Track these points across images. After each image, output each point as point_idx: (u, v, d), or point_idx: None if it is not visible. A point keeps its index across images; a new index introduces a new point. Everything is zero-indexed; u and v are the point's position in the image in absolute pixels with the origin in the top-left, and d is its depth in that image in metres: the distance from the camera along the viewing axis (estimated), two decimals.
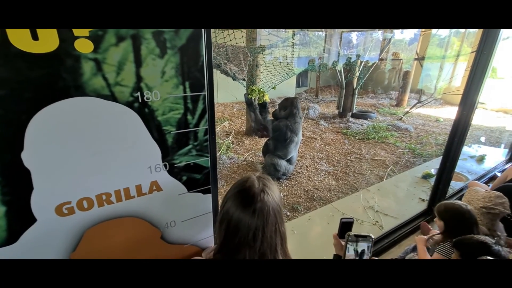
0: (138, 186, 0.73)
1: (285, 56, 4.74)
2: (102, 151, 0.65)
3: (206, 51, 0.71)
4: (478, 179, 3.20)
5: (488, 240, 1.19)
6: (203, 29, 0.68)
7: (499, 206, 1.59)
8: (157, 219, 0.79)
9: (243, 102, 6.37)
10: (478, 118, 6.76)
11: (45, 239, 0.65)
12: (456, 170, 3.65)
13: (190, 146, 0.77)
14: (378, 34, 7.31)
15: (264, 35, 4.61)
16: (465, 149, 4.51)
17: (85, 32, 0.55)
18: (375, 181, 3.63)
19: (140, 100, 0.65)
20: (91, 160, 0.64)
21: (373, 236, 0.72)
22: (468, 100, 2.06)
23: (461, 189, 2.88)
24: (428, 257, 1.56)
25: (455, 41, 6.44)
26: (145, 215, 0.77)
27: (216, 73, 4.17)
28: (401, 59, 7.09)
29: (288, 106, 3.44)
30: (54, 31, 0.52)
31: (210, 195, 0.88)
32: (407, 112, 6.45)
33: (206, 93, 0.75)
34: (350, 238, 0.70)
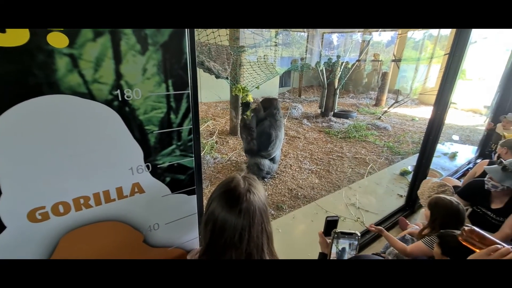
0: (119, 188, 0.70)
1: (267, 55, 4.76)
2: (79, 153, 0.61)
3: (189, 48, 0.69)
4: (451, 175, 3.38)
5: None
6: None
7: (442, 194, 1.71)
8: (139, 222, 0.76)
9: (227, 101, 6.33)
10: (450, 117, 7.16)
11: (16, 247, 0.60)
12: (431, 167, 3.84)
13: (173, 146, 0.75)
14: (357, 35, 7.54)
15: (248, 34, 4.60)
16: (439, 146, 4.75)
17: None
18: (356, 178, 3.74)
19: (120, 99, 0.62)
20: (68, 162, 0.60)
21: (359, 234, 0.74)
22: (442, 100, 2.17)
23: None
24: (402, 244, 1.63)
25: (429, 44, 6.77)
26: (127, 218, 0.74)
27: (199, 72, 4.11)
28: (380, 60, 7.35)
29: (268, 106, 3.46)
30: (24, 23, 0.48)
31: (195, 196, 0.86)
32: (385, 111, 6.70)
33: (190, 91, 0.73)
34: (336, 235, 0.72)
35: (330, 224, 0.80)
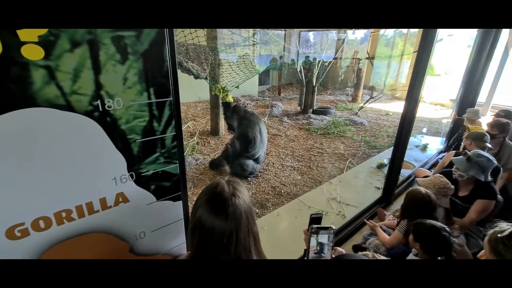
0: (102, 199, 0.69)
1: (247, 54, 4.76)
2: (59, 165, 0.59)
3: (170, 56, 0.70)
4: (423, 166, 3.60)
5: (439, 225, 1.35)
6: (166, 33, 0.67)
7: (445, 192, 1.81)
8: (124, 232, 0.76)
9: (207, 101, 6.26)
10: (420, 111, 7.58)
11: None
12: (405, 159, 4.05)
13: (157, 154, 0.75)
14: (333, 34, 7.74)
15: (226, 33, 4.57)
16: (411, 139, 5.03)
17: (34, 37, 0.50)
18: (336, 173, 3.87)
19: (100, 109, 0.61)
20: (47, 175, 0.59)
21: (334, 227, 0.78)
22: (413, 95, 2.30)
23: (409, 176, 3.22)
24: (386, 237, 1.73)
25: (400, 42, 7.11)
26: (112, 229, 0.73)
27: (178, 74, 4.03)
28: (359, 58, 7.59)
29: (233, 113, 3.47)
30: None
31: (180, 202, 0.86)
32: (362, 107, 6.96)
33: (172, 98, 0.73)
34: (313, 230, 0.75)
35: (314, 221, 0.83)
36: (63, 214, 0.63)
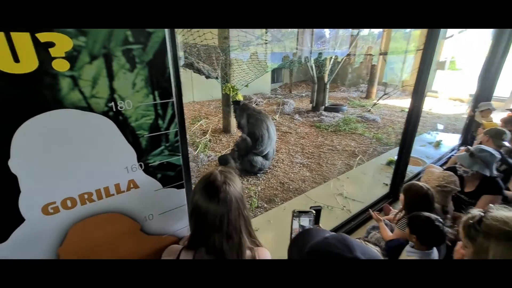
0: (116, 184, 0.82)
1: (256, 53, 4.84)
2: (82, 156, 0.73)
3: (172, 63, 0.82)
4: (435, 162, 3.55)
5: (433, 216, 1.40)
6: (168, 45, 0.79)
7: (451, 184, 1.82)
8: (136, 213, 0.89)
9: (219, 100, 6.41)
10: (437, 107, 7.33)
11: (33, 237, 0.72)
12: (415, 155, 4.00)
13: (162, 147, 0.87)
14: (347, 29, 7.64)
15: (237, 33, 4.67)
16: (424, 136, 4.93)
17: (62, 53, 0.63)
18: (345, 170, 3.89)
19: (114, 109, 0.75)
20: (73, 164, 0.73)
21: (314, 211, 0.87)
22: (418, 92, 2.31)
23: (419, 173, 3.19)
24: (387, 231, 1.78)
25: (416, 35, 6.90)
26: (125, 210, 0.86)
27: (190, 73, 4.19)
28: (371, 54, 7.46)
29: (242, 112, 3.57)
30: (33, 54, 0.60)
31: (184, 190, 0.98)
32: (375, 104, 6.86)
33: (174, 99, 0.85)
34: (295, 214, 0.85)
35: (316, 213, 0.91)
36: (86, 196, 0.77)
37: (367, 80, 7.93)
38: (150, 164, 0.87)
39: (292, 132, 5.61)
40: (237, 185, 0.85)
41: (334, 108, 6.81)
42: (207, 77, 3.60)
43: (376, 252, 0.54)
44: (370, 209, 2.14)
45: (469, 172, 1.93)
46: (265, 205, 3.08)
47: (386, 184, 3.06)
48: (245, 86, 3.98)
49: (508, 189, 2.51)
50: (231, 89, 3.57)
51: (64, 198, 0.74)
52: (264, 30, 5.55)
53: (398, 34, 6.97)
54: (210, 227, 0.81)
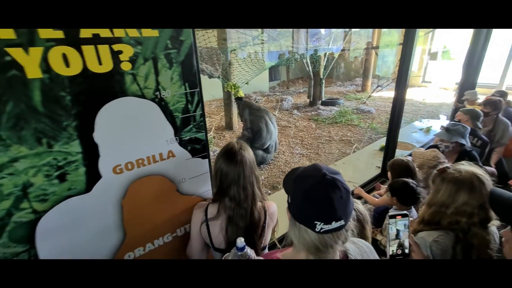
0: (160, 153, 1.11)
1: (255, 52, 5.12)
2: (138, 131, 1.03)
3: (196, 62, 1.11)
4: (423, 146, 3.84)
5: (409, 180, 1.69)
6: (193, 49, 1.08)
7: (440, 159, 2.09)
8: (173, 176, 1.19)
9: (220, 99, 6.68)
10: (430, 96, 7.61)
11: (107, 190, 1.02)
12: (408, 141, 4.28)
13: (191, 125, 1.17)
14: None
15: (235, 35, 4.95)
16: (416, 123, 5.22)
17: (126, 57, 0.93)
18: (342, 157, 4.18)
19: (159, 97, 1.04)
20: (132, 136, 1.02)
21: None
22: (401, 83, 2.60)
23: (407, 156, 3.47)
24: (375, 199, 2.07)
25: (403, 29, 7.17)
26: (165, 173, 1.16)
27: None
28: (366, 48, 7.72)
29: (245, 109, 3.87)
30: (110, 59, 0.89)
31: (207, 160, 1.28)
32: (369, 96, 7.15)
33: (199, 89, 1.14)
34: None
35: None
36: (140, 161, 1.07)
37: (361, 73, 8.20)
38: (182, 138, 1.16)
39: (291, 126, 5.90)
40: (250, 152, 1.14)
41: (330, 102, 7.09)
42: (210, 76, 3.90)
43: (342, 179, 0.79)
44: (355, 185, 2.40)
45: (449, 146, 2.20)
46: (269, 191, 3.37)
47: (378, 167, 3.35)
48: (246, 83, 4.27)
49: (488, 165, 2.80)
50: (233, 87, 3.86)
51: (126, 162, 1.03)
52: (260, 30, 5.83)
53: (387, 28, 7.24)
54: (230, 181, 1.10)
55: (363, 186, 2.82)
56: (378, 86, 6.95)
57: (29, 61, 0.77)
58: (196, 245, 1.22)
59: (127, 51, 0.92)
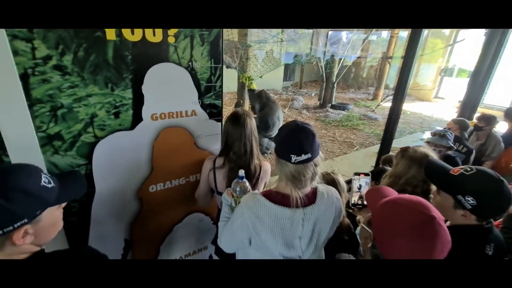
0: (186, 111, 1.45)
1: (271, 50, 5.43)
2: (172, 90, 1.36)
3: (222, 43, 1.44)
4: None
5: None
6: (220, 34, 1.40)
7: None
8: (193, 131, 1.52)
9: (234, 92, 7.02)
10: (440, 112, 7.73)
11: (145, 132, 1.36)
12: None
13: (212, 93, 1.50)
14: (359, 34, 8.11)
15: (255, 30, 5.27)
16: (418, 135, 5.42)
17: (172, 33, 1.26)
18: (342, 155, 4.45)
19: (191, 66, 1.37)
20: (167, 94, 1.36)
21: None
22: (399, 94, 2.85)
23: None
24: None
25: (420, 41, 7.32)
26: (188, 127, 1.49)
27: None
28: (385, 58, 7.90)
29: (258, 98, 4.19)
30: (161, 33, 1.23)
31: (220, 123, 1.61)
32: (378, 105, 7.35)
33: (221, 65, 1.47)
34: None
35: None
36: (170, 114, 1.40)
37: (374, 83, 8.37)
38: (204, 102, 1.50)
39: None
40: (252, 119, 1.46)
41: (340, 106, 7.32)
42: (228, 66, 4.24)
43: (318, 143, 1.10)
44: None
45: (442, 150, 2.45)
46: (272, 180, 3.67)
47: (372, 166, 3.61)
48: (260, 77, 4.60)
49: None
50: (248, 79, 4.19)
51: (161, 112, 1.37)
52: (280, 30, 6.12)
53: (403, 40, 7.41)
54: (234, 139, 1.42)
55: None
56: (387, 96, 7.15)
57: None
58: (203, 189, 1.55)
59: (173, 29, 1.26)
